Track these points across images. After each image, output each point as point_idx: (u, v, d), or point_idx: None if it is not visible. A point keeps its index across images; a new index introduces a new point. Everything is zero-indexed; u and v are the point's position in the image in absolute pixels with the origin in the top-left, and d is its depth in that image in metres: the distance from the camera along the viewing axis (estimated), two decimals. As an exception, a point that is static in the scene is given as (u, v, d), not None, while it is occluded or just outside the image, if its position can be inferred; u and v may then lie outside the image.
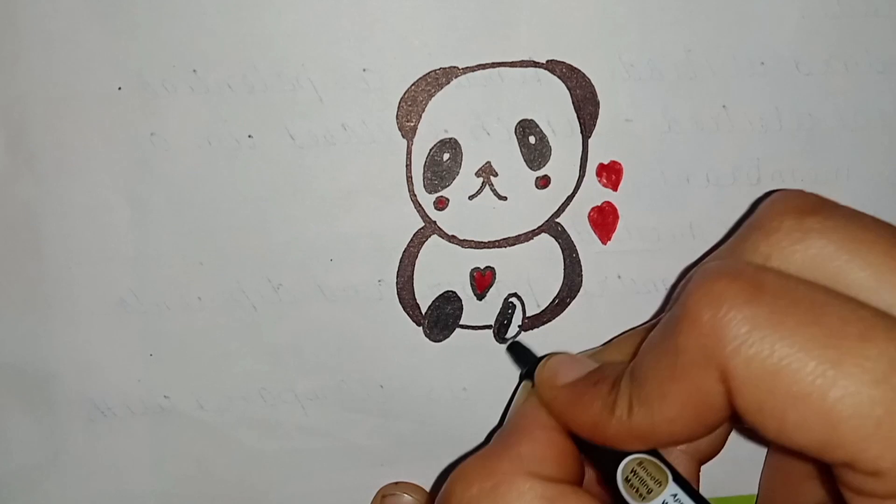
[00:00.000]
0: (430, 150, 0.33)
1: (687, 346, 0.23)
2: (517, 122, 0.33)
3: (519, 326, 0.34)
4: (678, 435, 0.24)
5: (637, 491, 0.26)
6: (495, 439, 0.29)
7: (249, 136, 0.32)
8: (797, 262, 0.24)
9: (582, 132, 0.33)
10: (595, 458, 0.28)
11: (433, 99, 0.32)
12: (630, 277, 0.34)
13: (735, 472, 0.34)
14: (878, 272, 0.24)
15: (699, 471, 0.31)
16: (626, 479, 0.27)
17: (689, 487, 0.26)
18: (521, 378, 0.32)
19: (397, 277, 0.33)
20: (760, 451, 0.33)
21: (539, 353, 0.34)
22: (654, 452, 0.27)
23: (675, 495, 0.26)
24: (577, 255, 0.34)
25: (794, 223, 0.25)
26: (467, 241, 0.34)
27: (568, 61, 0.32)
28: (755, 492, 0.34)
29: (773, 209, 0.26)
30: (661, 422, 0.24)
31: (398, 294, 0.34)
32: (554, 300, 0.34)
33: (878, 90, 0.34)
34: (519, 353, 0.33)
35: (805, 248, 0.24)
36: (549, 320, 0.34)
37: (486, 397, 0.35)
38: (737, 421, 0.23)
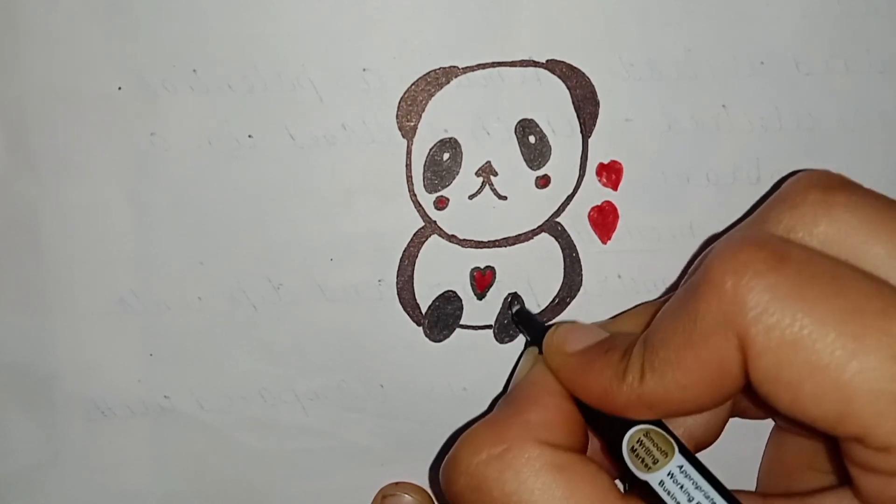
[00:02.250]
0: (430, 149, 0.33)
1: (707, 312, 0.23)
2: (517, 121, 0.33)
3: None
4: (689, 403, 0.24)
5: (643, 461, 0.26)
6: (501, 405, 0.29)
7: (249, 136, 0.32)
8: (820, 236, 0.25)
9: (582, 132, 0.33)
10: (601, 427, 0.27)
11: (433, 99, 0.32)
12: (630, 277, 0.34)
13: (734, 468, 0.34)
14: None
15: None
16: (632, 450, 0.26)
17: (696, 460, 0.26)
18: (527, 345, 0.31)
19: (397, 277, 0.33)
20: (758, 447, 0.34)
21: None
22: (659, 424, 0.27)
23: (680, 467, 0.26)
24: (577, 254, 0.34)
25: (819, 197, 0.25)
26: (467, 240, 0.33)
27: (568, 61, 0.32)
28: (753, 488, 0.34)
29: (799, 184, 0.26)
30: (674, 389, 0.24)
31: (398, 294, 0.34)
32: (554, 300, 0.34)
33: (878, 90, 0.34)
34: (525, 319, 0.33)
35: (829, 221, 0.25)
36: (549, 320, 0.34)
37: (487, 397, 0.35)
38: (747, 395, 0.24)
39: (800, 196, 0.26)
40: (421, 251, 0.33)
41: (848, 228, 0.24)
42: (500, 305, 0.34)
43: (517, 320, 0.34)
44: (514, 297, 0.34)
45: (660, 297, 0.34)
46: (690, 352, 0.23)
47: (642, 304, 0.32)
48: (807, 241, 0.25)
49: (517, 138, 0.33)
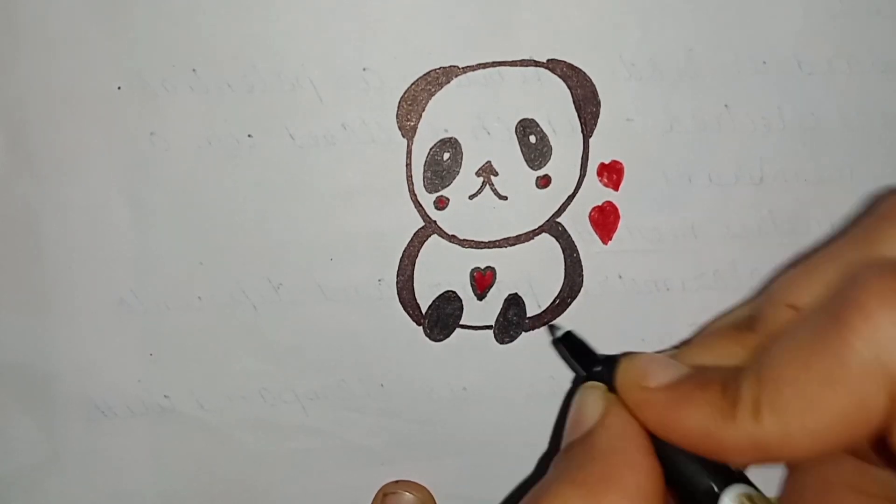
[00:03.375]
0: (431, 149, 0.32)
1: (857, 348, 0.20)
2: (518, 121, 0.33)
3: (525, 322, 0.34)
4: (808, 450, 0.22)
5: None
6: (583, 460, 0.25)
7: (249, 136, 0.32)
8: None
9: (583, 131, 0.33)
10: (686, 482, 0.24)
11: (433, 98, 0.32)
12: (631, 277, 0.34)
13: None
14: None
15: None
16: None
17: None
18: (583, 378, 0.29)
19: (397, 277, 0.33)
20: None
21: (542, 357, 0.34)
22: (748, 482, 0.24)
23: None
24: (578, 255, 0.34)
25: None
26: (467, 240, 0.33)
27: (569, 60, 0.32)
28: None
29: None
30: (798, 432, 0.21)
31: (398, 294, 0.33)
32: (555, 300, 0.34)
33: (880, 89, 0.34)
34: (576, 349, 0.30)
35: None
36: (550, 321, 0.34)
37: (487, 397, 0.34)
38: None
39: None
40: (421, 251, 0.33)
41: None
42: (501, 306, 0.34)
43: (567, 350, 0.31)
44: (552, 326, 0.32)
45: (723, 315, 0.32)
46: (829, 392, 0.21)
47: (705, 332, 0.30)
48: None
49: (518, 138, 0.33)
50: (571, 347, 0.31)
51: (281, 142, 0.32)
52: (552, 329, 0.33)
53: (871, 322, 0.20)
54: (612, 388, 0.27)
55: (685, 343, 0.30)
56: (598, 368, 0.28)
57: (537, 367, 0.35)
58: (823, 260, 0.25)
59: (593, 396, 0.27)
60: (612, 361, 0.27)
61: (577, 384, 0.29)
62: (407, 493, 0.35)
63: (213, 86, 0.31)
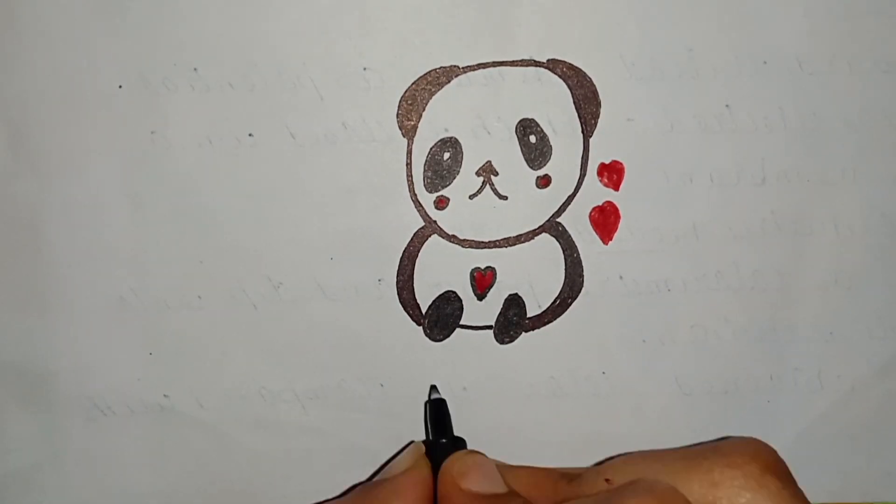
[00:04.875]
0: (431, 149, 0.33)
1: None
2: (518, 121, 0.33)
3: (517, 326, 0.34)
4: None
5: None
6: (360, 497, 0.29)
7: (250, 135, 0.32)
8: None
9: (583, 131, 0.33)
10: None
11: (434, 98, 0.32)
12: (632, 278, 0.34)
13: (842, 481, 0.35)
14: None
15: None
16: None
17: None
18: (429, 445, 0.31)
19: (397, 277, 0.33)
20: (866, 460, 0.35)
21: (542, 357, 0.34)
22: None
23: None
24: (579, 255, 0.34)
25: (756, 471, 0.26)
26: (468, 240, 0.33)
27: (569, 60, 0.32)
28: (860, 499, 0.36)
29: (746, 448, 0.27)
30: None
31: (398, 293, 0.33)
32: (555, 300, 0.34)
33: (882, 89, 0.33)
34: (439, 417, 0.32)
35: (750, 499, 0.26)
36: (551, 321, 0.34)
37: (486, 397, 0.34)
38: None
39: (741, 459, 0.26)
40: (421, 251, 0.33)
41: None
42: (501, 306, 0.34)
43: (431, 413, 0.33)
44: (433, 388, 0.34)
45: (572, 469, 0.32)
46: None
47: (558, 472, 0.31)
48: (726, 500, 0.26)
49: (518, 138, 0.33)
50: (434, 415, 0.33)
51: (281, 141, 0.32)
52: (432, 389, 0.34)
53: None
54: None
55: (516, 468, 0.31)
56: (444, 441, 0.31)
57: (537, 367, 0.34)
58: (654, 456, 0.29)
59: (412, 454, 0.31)
60: (453, 445, 0.30)
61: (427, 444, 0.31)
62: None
63: (214, 85, 0.31)
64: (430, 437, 0.32)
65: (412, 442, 0.32)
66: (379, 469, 0.34)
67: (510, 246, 0.34)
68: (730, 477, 0.26)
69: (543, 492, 0.29)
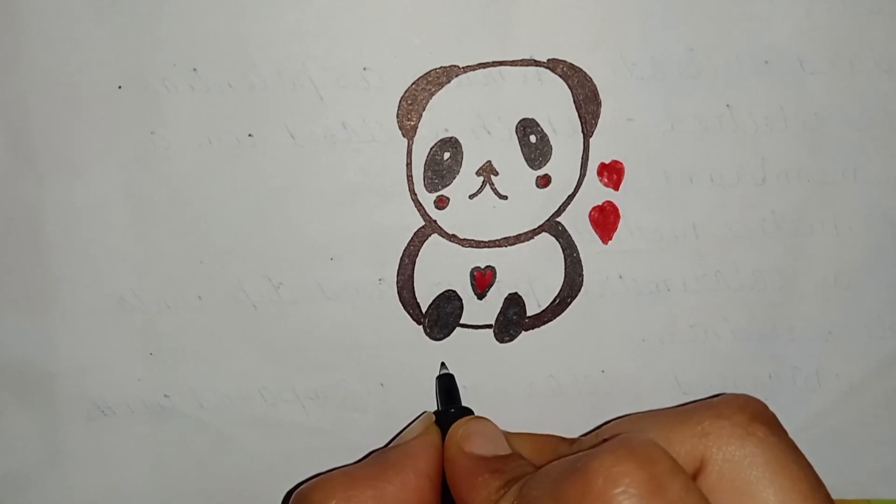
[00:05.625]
0: (431, 148, 0.32)
1: (569, 502, 0.23)
2: (518, 120, 0.32)
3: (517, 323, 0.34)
4: None
5: None
6: (373, 460, 0.30)
7: (250, 135, 0.32)
8: (726, 454, 0.26)
9: (583, 131, 0.33)
10: None
11: (434, 98, 0.32)
12: (632, 277, 0.34)
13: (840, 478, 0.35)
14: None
15: None
16: None
17: None
18: (438, 415, 0.32)
19: (397, 276, 0.33)
20: (864, 458, 0.35)
21: (542, 356, 0.34)
22: None
23: None
24: (578, 254, 0.34)
25: (743, 421, 0.26)
26: (468, 240, 0.33)
27: (569, 60, 0.32)
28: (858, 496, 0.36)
29: (733, 402, 0.27)
30: None
31: (398, 293, 0.33)
32: (555, 300, 0.34)
33: (883, 89, 0.33)
34: (447, 389, 0.33)
35: (739, 446, 0.26)
36: (550, 320, 0.34)
37: (486, 396, 0.34)
38: None
39: (728, 411, 0.27)
40: (421, 250, 0.33)
41: (752, 460, 0.26)
42: (501, 305, 0.34)
43: (441, 386, 0.34)
44: (443, 364, 0.34)
45: (587, 434, 0.33)
46: None
47: (560, 437, 0.32)
48: (713, 453, 0.26)
49: (518, 138, 0.33)
50: (444, 387, 0.33)
51: (281, 141, 0.32)
52: (441, 366, 0.34)
53: (587, 486, 0.23)
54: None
55: (523, 434, 0.31)
56: (453, 410, 0.32)
57: (537, 366, 0.35)
58: (649, 416, 0.29)
59: (422, 423, 0.31)
60: (460, 413, 0.31)
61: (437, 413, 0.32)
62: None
63: (214, 85, 0.31)
64: (440, 409, 0.33)
65: (424, 412, 0.33)
66: (391, 440, 0.34)
67: (510, 245, 0.34)
68: (718, 427, 0.26)
69: (546, 455, 0.29)
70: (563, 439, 0.31)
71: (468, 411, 0.32)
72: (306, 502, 0.28)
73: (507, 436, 0.30)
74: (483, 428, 0.30)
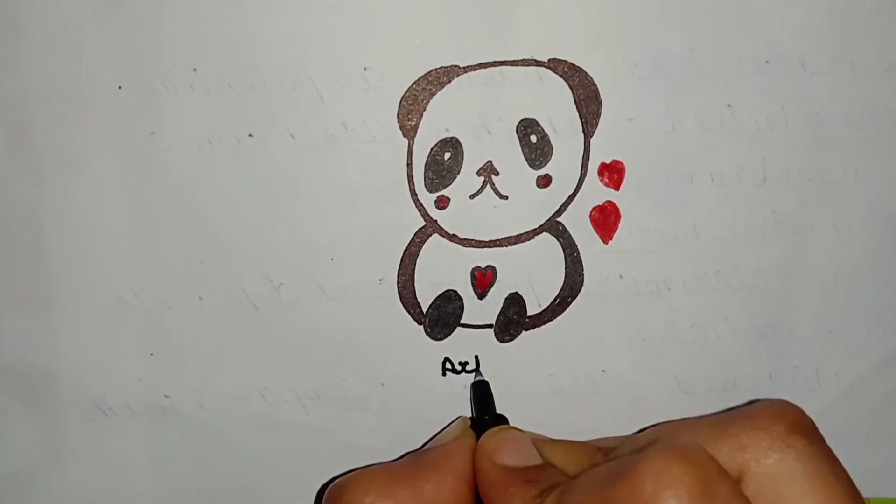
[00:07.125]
0: (431, 149, 0.32)
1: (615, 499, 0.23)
2: (518, 120, 0.32)
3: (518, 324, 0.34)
4: None
5: None
6: (410, 460, 0.30)
7: (250, 135, 0.32)
8: (765, 468, 0.26)
9: (584, 131, 0.33)
10: None
11: (434, 98, 0.32)
12: (632, 277, 0.34)
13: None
14: None
15: None
16: None
17: None
18: (474, 421, 0.32)
19: (398, 276, 0.33)
20: (863, 457, 0.35)
21: (542, 356, 0.34)
22: None
23: None
24: (579, 254, 0.34)
25: (782, 431, 0.26)
26: (468, 240, 0.33)
27: (570, 60, 0.32)
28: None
29: (771, 410, 0.27)
30: None
31: (399, 293, 0.33)
32: (555, 300, 0.34)
33: (884, 89, 0.33)
34: (482, 395, 0.33)
35: (779, 459, 0.26)
36: (551, 320, 0.34)
37: (487, 397, 0.34)
38: None
39: (766, 421, 0.26)
40: (422, 250, 0.33)
41: (792, 474, 0.25)
42: (501, 305, 0.34)
43: (477, 392, 0.33)
44: (478, 371, 0.34)
45: (609, 440, 0.32)
46: None
47: (589, 442, 0.31)
48: (751, 468, 0.26)
49: (518, 138, 0.33)
50: (479, 394, 0.33)
51: (282, 141, 0.32)
52: (476, 373, 0.34)
53: (636, 490, 0.23)
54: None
55: (554, 441, 0.31)
56: (486, 418, 0.32)
57: (537, 365, 0.35)
58: (684, 424, 0.29)
59: (458, 428, 0.32)
60: (494, 421, 0.31)
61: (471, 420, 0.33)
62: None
63: (214, 85, 0.31)
64: (475, 416, 0.33)
65: (459, 417, 0.33)
66: (421, 446, 0.34)
67: (511, 245, 0.34)
68: (756, 439, 0.26)
69: (579, 464, 0.29)
70: (598, 448, 0.30)
71: (503, 419, 0.32)
72: (344, 496, 0.28)
73: (538, 444, 0.30)
74: (512, 437, 0.30)
